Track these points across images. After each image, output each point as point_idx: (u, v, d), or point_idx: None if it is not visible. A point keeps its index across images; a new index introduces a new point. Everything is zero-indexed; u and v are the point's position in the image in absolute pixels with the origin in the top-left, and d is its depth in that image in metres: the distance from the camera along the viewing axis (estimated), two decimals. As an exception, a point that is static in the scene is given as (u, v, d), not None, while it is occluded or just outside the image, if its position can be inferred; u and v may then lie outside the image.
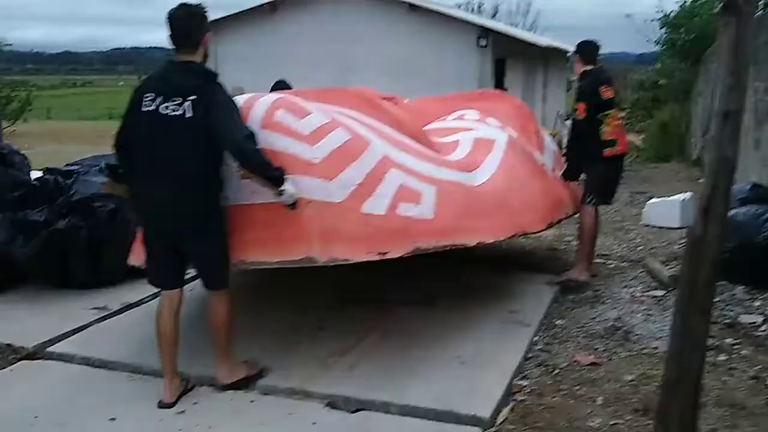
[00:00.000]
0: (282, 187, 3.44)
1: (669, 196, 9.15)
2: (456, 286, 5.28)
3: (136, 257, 4.27)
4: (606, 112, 5.41)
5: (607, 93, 5.43)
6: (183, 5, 3.45)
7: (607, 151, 5.42)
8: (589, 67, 5.54)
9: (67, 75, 79.15)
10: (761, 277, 5.23)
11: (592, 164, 5.51)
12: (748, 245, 5.27)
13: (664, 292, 5.31)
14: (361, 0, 13.52)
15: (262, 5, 14.28)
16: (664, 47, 17.69)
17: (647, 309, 4.97)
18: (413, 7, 13.33)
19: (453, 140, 5.16)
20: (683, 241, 7.26)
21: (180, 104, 3.30)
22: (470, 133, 5.31)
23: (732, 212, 5.52)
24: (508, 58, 14.85)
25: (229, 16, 14.30)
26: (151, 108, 3.37)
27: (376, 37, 13.36)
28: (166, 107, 3.33)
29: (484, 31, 13.00)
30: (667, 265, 6.04)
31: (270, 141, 3.67)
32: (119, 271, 5.34)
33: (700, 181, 12.19)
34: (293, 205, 3.52)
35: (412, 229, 3.91)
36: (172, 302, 3.63)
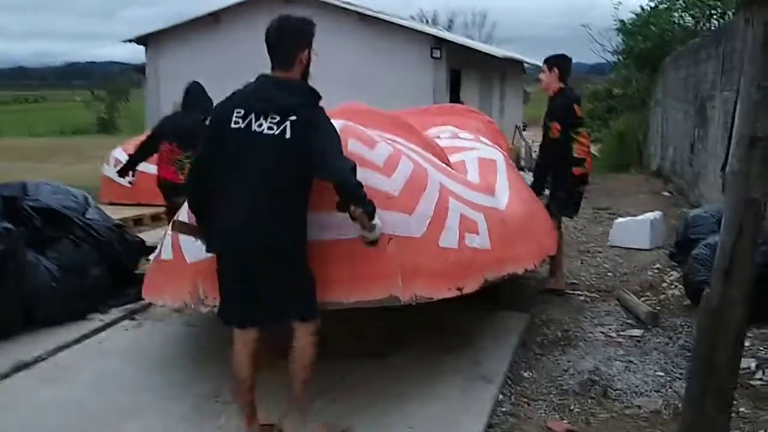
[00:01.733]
0: (373, 222, 3.13)
1: (636, 215, 8.70)
2: (409, 329, 4.59)
3: (154, 292, 3.96)
4: (577, 130, 5.35)
5: (579, 112, 5.42)
6: (281, 17, 3.19)
7: (577, 170, 5.39)
8: (562, 85, 5.43)
9: (20, 91, 77.04)
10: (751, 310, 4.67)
11: (560, 181, 5.44)
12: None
13: (642, 331, 4.71)
14: (309, 9, 12.84)
15: (203, 16, 13.50)
16: (622, 56, 17.37)
17: (625, 354, 4.35)
18: (364, 17, 12.71)
19: (459, 160, 4.86)
20: (656, 266, 7.00)
21: (278, 123, 3.02)
22: (472, 152, 5.11)
23: (716, 238, 4.97)
24: (463, 69, 14.32)
25: (168, 29, 13.50)
26: (241, 125, 3.05)
27: (325, 48, 12.57)
28: (260, 125, 3.03)
29: (438, 42, 12.45)
30: (641, 296, 5.46)
31: None
32: (14, 321, 4.56)
33: (665, 193, 11.91)
34: (375, 242, 3.23)
35: (479, 260, 3.86)
36: (246, 342, 3.23)
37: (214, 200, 3.15)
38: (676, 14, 16.16)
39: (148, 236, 7.72)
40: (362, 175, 3.20)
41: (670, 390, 3.86)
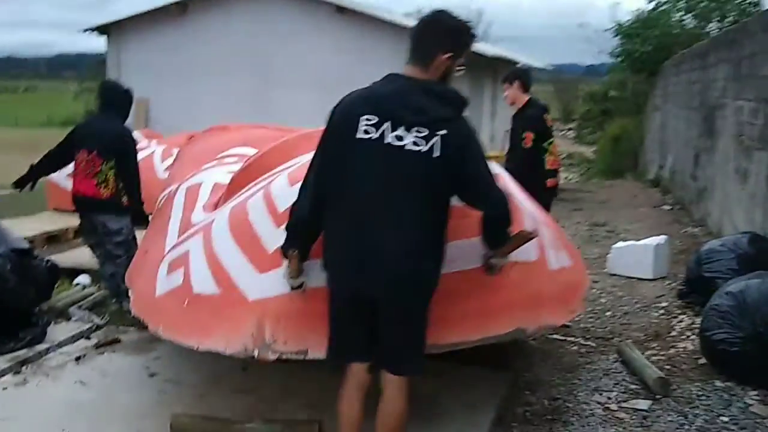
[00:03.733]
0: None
1: (637, 235, 7.81)
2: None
3: (191, 333, 3.23)
4: (549, 140, 5.37)
5: (549, 122, 5.49)
6: (438, 10, 2.79)
7: (550, 181, 5.38)
8: (528, 96, 5.46)
9: (10, 80, 76.03)
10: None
11: (532, 192, 4.74)
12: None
13: (649, 402, 3.76)
14: (282, 0, 11.87)
15: (169, 5, 12.48)
16: (619, 58, 16.53)
17: (630, 437, 3.42)
18: (341, 9, 11.73)
19: None
20: (662, 303, 6.08)
21: (426, 138, 2.59)
22: None
23: (740, 285, 4.05)
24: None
25: (130, 18, 12.47)
26: (373, 136, 2.61)
27: (299, 43, 11.75)
28: (400, 137, 2.60)
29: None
30: (647, 349, 4.54)
31: None
32: None
33: (665, 207, 11.03)
34: (497, 270, 2.94)
35: (574, 280, 3.76)
36: (359, 380, 2.83)
37: (330, 223, 2.77)
38: (677, 15, 15.34)
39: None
40: None
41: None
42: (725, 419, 3.56)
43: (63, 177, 9.06)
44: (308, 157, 3.70)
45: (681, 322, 5.00)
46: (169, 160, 8.66)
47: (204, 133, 5.66)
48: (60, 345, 4.37)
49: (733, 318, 3.91)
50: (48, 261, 5.20)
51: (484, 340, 3.22)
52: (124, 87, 5.33)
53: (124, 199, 4.98)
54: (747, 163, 6.44)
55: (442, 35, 2.72)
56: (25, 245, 4.96)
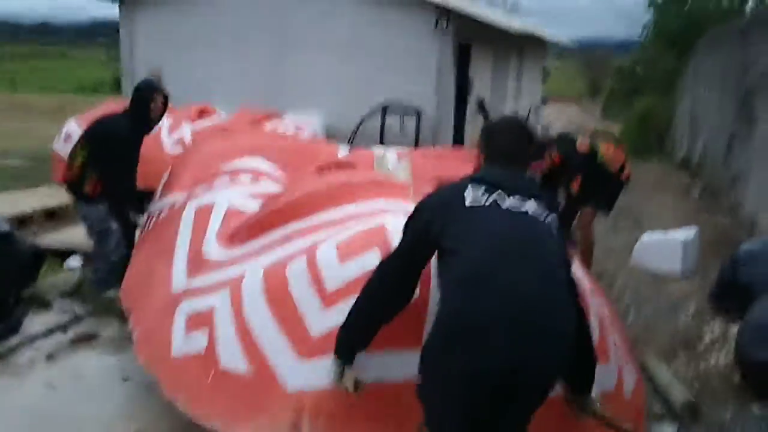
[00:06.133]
0: None
1: (664, 225, 7.32)
2: None
3: (217, 415, 2.82)
4: (597, 144, 5.30)
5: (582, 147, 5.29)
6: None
7: (625, 174, 5.39)
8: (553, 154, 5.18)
9: (43, 45, 76.43)
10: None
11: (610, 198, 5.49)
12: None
13: (675, 428, 3.36)
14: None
15: (183, -29, 12.04)
16: (651, 33, 15.86)
17: (653, 473, 3.02)
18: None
19: None
20: (690, 306, 5.60)
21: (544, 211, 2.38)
22: None
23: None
24: (474, 43, 12.80)
25: (143, -16, 12.04)
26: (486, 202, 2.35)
27: (316, 8, 11.23)
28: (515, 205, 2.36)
29: (444, 12, 10.97)
30: (674, 360, 4.12)
31: None
32: None
33: (693, 194, 10.49)
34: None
35: (641, 402, 3.22)
36: None
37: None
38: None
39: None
40: None
41: None
42: (761, 452, 3.16)
43: (68, 149, 8.80)
44: (347, 211, 3.42)
45: (713, 330, 4.55)
46: (177, 134, 8.34)
47: (207, 137, 5.28)
48: (33, 339, 4.05)
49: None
50: (32, 244, 4.90)
51: None
52: (141, 85, 4.90)
53: (87, 187, 4.66)
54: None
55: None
56: (6, 228, 4.64)
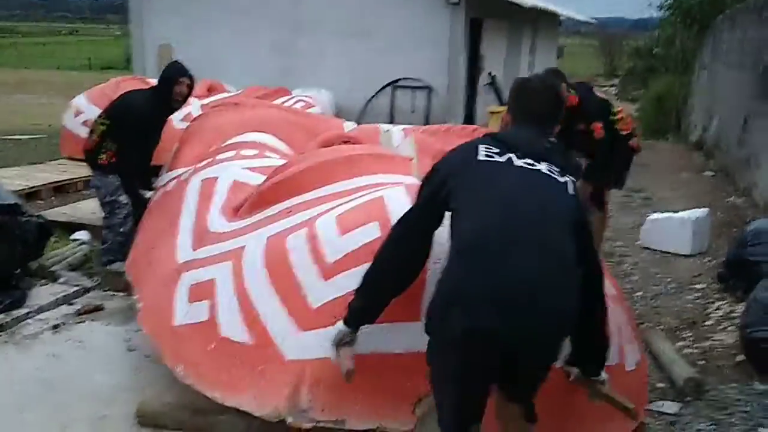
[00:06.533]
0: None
1: (675, 205, 7.26)
2: None
3: (218, 386, 2.83)
4: (612, 111, 5.01)
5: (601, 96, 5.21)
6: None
7: (633, 143, 5.11)
8: (573, 92, 4.90)
9: (54, 22, 76.49)
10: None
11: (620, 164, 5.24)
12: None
13: (678, 406, 3.34)
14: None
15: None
16: (669, 10, 15.59)
17: (654, 449, 3.01)
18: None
19: None
20: (698, 284, 5.59)
21: (560, 173, 2.35)
22: None
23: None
24: (486, 18, 12.67)
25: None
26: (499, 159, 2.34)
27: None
28: (532, 164, 2.34)
29: (457, -15, 10.85)
30: (679, 338, 4.09)
31: None
32: None
33: (707, 173, 10.39)
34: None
35: (643, 380, 3.28)
36: None
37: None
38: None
39: (95, 204, 6.47)
40: None
41: None
42: (765, 431, 3.13)
43: (78, 123, 8.81)
44: (348, 185, 3.41)
45: (719, 309, 4.52)
46: (186, 110, 8.33)
47: (214, 110, 5.26)
48: (40, 311, 4.08)
49: None
50: (38, 216, 4.92)
51: None
52: (169, 66, 4.99)
53: (102, 156, 4.71)
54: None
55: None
56: (12, 200, 4.66)
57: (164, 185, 4.51)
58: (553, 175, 2.27)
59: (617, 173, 5.24)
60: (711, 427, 3.17)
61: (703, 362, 3.80)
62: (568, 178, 2.31)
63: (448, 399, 2.26)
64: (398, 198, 2.98)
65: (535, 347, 2.15)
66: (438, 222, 2.38)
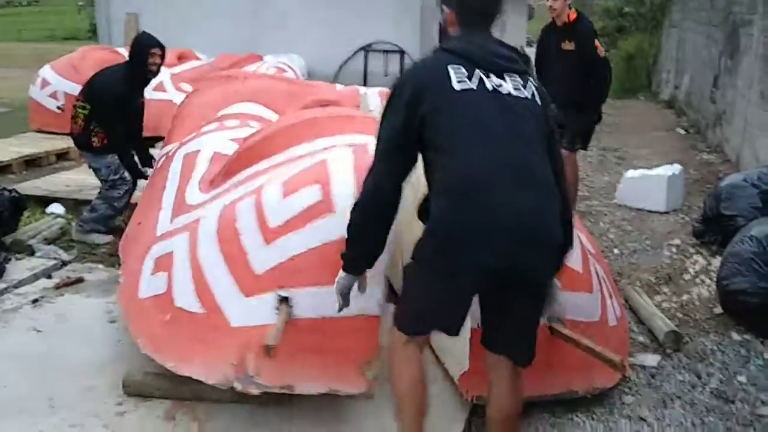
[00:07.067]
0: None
1: (649, 162, 7.34)
2: None
3: (173, 356, 2.83)
4: None
5: None
6: None
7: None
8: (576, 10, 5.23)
9: (12, -6, 74.01)
10: None
11: (598, 106, 5.21)
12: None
13: (658, 358, 3.41)
14: None
15: None
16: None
17: (634, 402, 3.06)
18: None
19: None
20: (675, 241, 5.63)
21: (523, 85, 2.33)
22: None
23: (765, 228, 3.63)
24: (457, -20, 12.54)
25: None
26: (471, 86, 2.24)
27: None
28: (500, 85, 2.27)
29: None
30: (657, 294, 4.17)
31: None
32: None
33: (679, 130, 10.49)
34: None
35: (624, 334, 3.45)
36: (422, 344, 2.40)
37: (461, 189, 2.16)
38: None
39: (69, 177, 6.39)
40: None
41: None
42: (742, 379, 3.22)
43: (45, 95, 8.61)
44: (304, 149, 3.37)
45: (695, 263, 4.61)
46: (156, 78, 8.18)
47: (209, 83, 5.12)
48: (18, 285, 4.02)
49: (756, 266, 3.51)
50: (12, 191, 4.83)
51: (531, 398, 2.72)
52: (139, 38, 4.92)
53: (95, 140, 4.78)
54: (771, 87, 5.91)
55: None
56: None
57: (157, 162, 4.49)
58: (522, 92, 2.25)
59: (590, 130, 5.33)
60: (691, 378, 3.25)
61: (682, 315, 3.88)
62: (531, 85, 2.29)
63: (428, 296, 2.22)
64: (342, 159, 3.00)
65: (538, 277, 2.23)
66: (414, 148, 2.25)
